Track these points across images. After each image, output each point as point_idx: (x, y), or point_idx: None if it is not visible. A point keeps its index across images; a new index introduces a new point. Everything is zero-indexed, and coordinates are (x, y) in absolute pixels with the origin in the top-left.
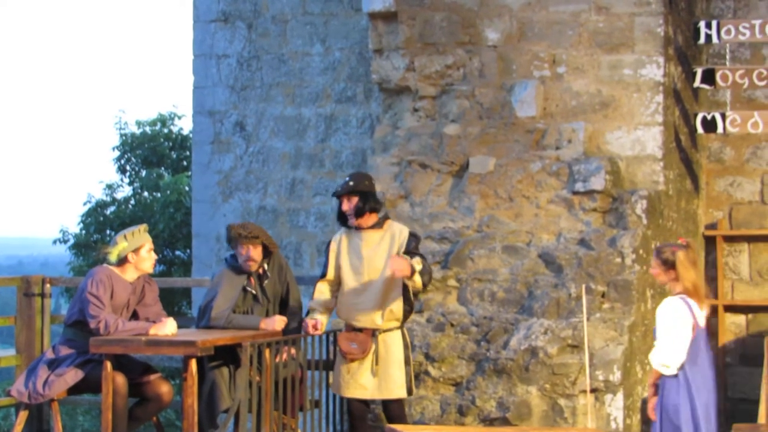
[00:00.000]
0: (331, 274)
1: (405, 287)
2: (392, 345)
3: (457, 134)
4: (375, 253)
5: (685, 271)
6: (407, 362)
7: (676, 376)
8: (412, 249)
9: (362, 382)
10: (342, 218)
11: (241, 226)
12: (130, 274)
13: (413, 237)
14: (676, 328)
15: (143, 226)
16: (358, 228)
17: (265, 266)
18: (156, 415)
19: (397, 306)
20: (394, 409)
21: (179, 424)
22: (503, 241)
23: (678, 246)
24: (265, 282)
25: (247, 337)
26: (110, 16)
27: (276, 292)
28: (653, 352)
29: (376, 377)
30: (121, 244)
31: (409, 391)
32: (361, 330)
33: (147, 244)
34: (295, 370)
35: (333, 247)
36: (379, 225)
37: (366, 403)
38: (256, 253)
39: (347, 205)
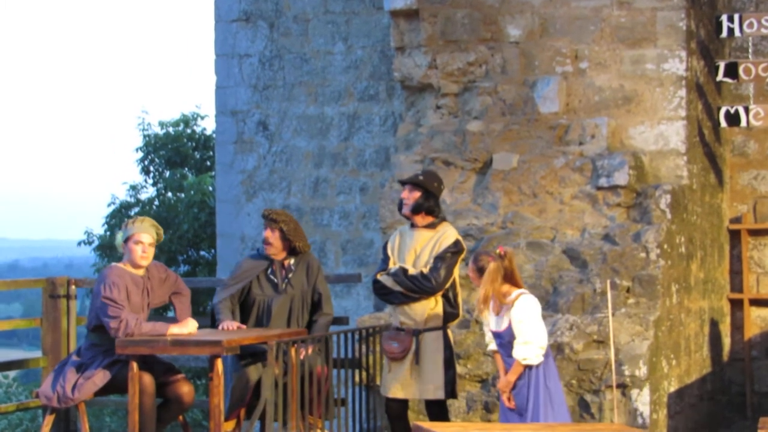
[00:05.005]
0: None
1: (449, 290)
2: (433, 345)
3: (480, 131)
4: (423, 252)
5: (487, 281)
6: (449, 364)
7: (538, 366)
8: (441, 254)
9: (401, 382)
10: (400, 205)
11: (269, 209)
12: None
13: (454, 246)
14: (536, 322)
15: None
16: (413, 226)
17: (291, 261)
18: (178, 416)
19: (439, 307)
20: (434, 411)
21: (206, 423)
22: (527, 238)
23: (494, 256)
24: (290, 275)
25: (272, 336)
26: (132, 16)
27: (303, 288)
28: (521, 349)
29: (415, 377)
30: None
31: (451, 394)
32: (403, 329)
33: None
34: (320, 364)
35: (389, 245)
36: (432, 226)
37: (404, 403)
38: (273, 237)
39: (407, 195)
